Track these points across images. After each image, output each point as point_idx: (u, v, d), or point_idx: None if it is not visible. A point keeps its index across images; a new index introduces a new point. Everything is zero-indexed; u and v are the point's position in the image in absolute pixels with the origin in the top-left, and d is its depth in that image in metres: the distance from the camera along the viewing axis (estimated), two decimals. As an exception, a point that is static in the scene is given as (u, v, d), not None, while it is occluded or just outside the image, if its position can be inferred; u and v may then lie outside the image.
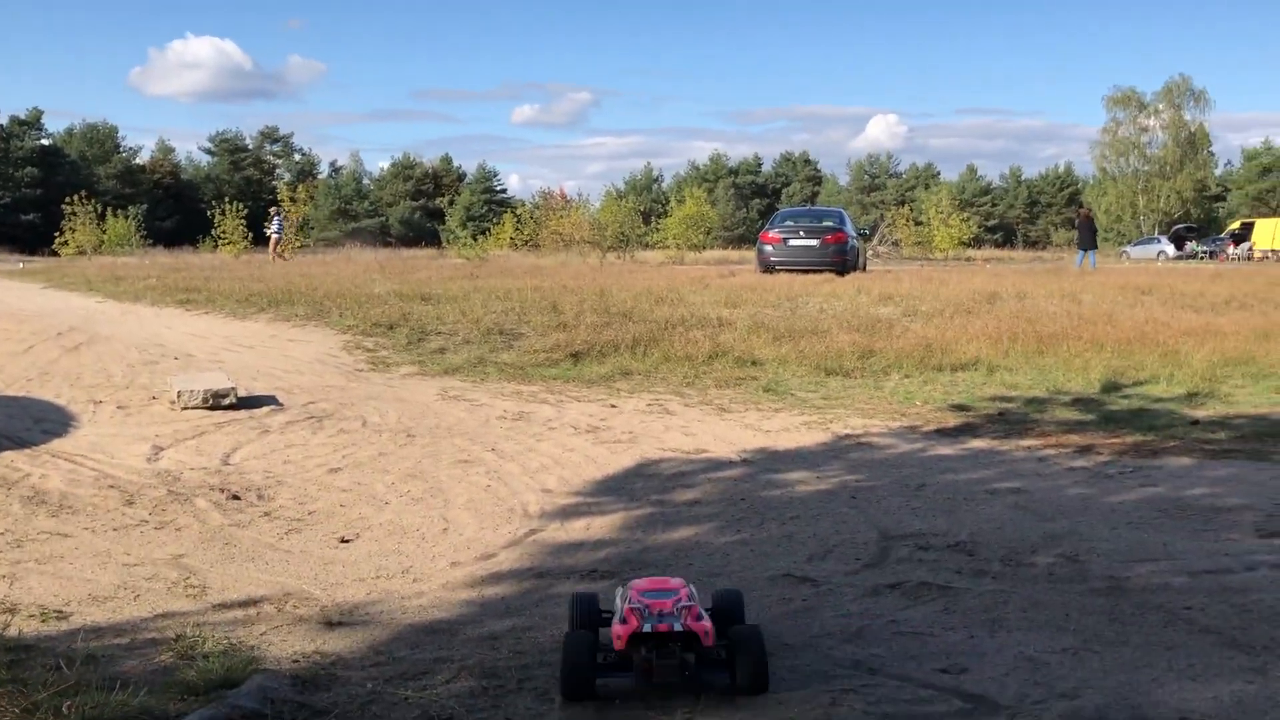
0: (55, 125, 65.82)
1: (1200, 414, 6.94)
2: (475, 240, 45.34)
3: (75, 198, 42.45)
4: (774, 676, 2.65)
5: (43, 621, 3.17)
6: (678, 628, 2.58)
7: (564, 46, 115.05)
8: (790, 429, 6.64)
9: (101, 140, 64.34)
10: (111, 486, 4.94)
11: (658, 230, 48.11)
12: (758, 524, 4.41)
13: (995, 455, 5.73)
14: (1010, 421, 6.72)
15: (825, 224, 22.74)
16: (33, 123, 61.36)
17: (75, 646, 2.91)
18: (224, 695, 2.41)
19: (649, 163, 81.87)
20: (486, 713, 2.50)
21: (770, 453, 5.92)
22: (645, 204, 57.24)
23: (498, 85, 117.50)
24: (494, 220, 51.55)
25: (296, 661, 2.85)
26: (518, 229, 45.79)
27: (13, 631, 3.01)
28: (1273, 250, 41.81)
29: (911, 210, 49.96)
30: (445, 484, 5.20)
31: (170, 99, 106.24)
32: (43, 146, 61.15)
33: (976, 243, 54.75)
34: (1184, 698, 2.49)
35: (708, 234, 47.10)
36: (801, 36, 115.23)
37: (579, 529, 4.43)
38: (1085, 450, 5.78)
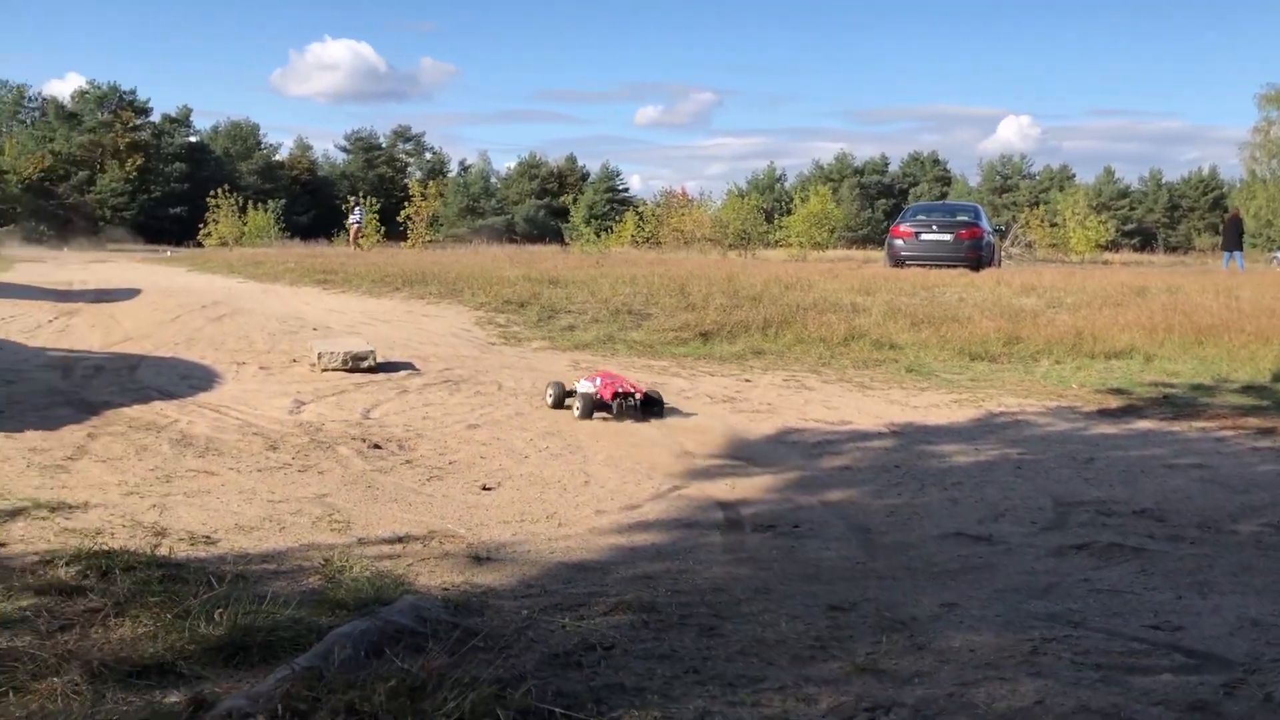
0: (202, 123, 68.57)
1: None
2: (598, 237, 45.67)
3: (219, 192, 44.23)
4: (958, 628, 2.41)
5: (191, 545, 3.13)
6: (631, 390, 5.53)
7: (687, 47, 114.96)
8: (939, 405, 6.32)
9: (244, 137, 66.87)
10: (255, 434, 4.96)
11: (780, 228, 47.61)
12: (917, 489, 4.15)
13: (1167, 434, 5.32)
14: (1177, 405, 6.27)
15: (960, 219, 21.99)
16: (182, 120, 64.16)
17: (224, 568, 2.85)
18: (375, 610, 2.29)
19: (772, 162, 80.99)
20: (649, 643, 2.32)
21: (920, 426, 5.62)
22: (768, 203, 56.75)
23: (621, 86, 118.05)
24: (616, 218, 51.83)
25: (446, 590, 2.73)
26: (639, 226, 45.92)
27: (163, 550, 2.97)
28: None
29: (1046, 212, 48.30)
30: (583, 442, 5.07)
31: (308, 99, 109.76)
32: (190, 143, 63.88)
33: (1114, 246, 52.65)
34: None
35: (831, 233, 46.37)
36: (929, 35, 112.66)
37: (723, 488, 4.24)
38: (1268, 432, 5.32)
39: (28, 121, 62.60)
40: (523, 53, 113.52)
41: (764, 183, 71.61)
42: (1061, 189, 66.46)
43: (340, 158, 73.18)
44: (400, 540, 3.33)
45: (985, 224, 22.28)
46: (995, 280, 15.32)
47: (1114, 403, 6.32)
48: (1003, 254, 31.56)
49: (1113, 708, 1.93)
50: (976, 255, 20.44)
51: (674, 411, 5.94)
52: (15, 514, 3.37)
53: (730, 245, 41.83)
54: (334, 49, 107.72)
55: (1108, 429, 5.48)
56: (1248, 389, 6.86)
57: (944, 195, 72.45)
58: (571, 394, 5.81)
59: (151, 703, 1.89)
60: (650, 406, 5.69)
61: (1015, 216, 51.80)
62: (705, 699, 1.99)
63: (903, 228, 21.67)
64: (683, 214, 46.27)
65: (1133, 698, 1.98)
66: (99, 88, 60.79)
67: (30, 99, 63.70)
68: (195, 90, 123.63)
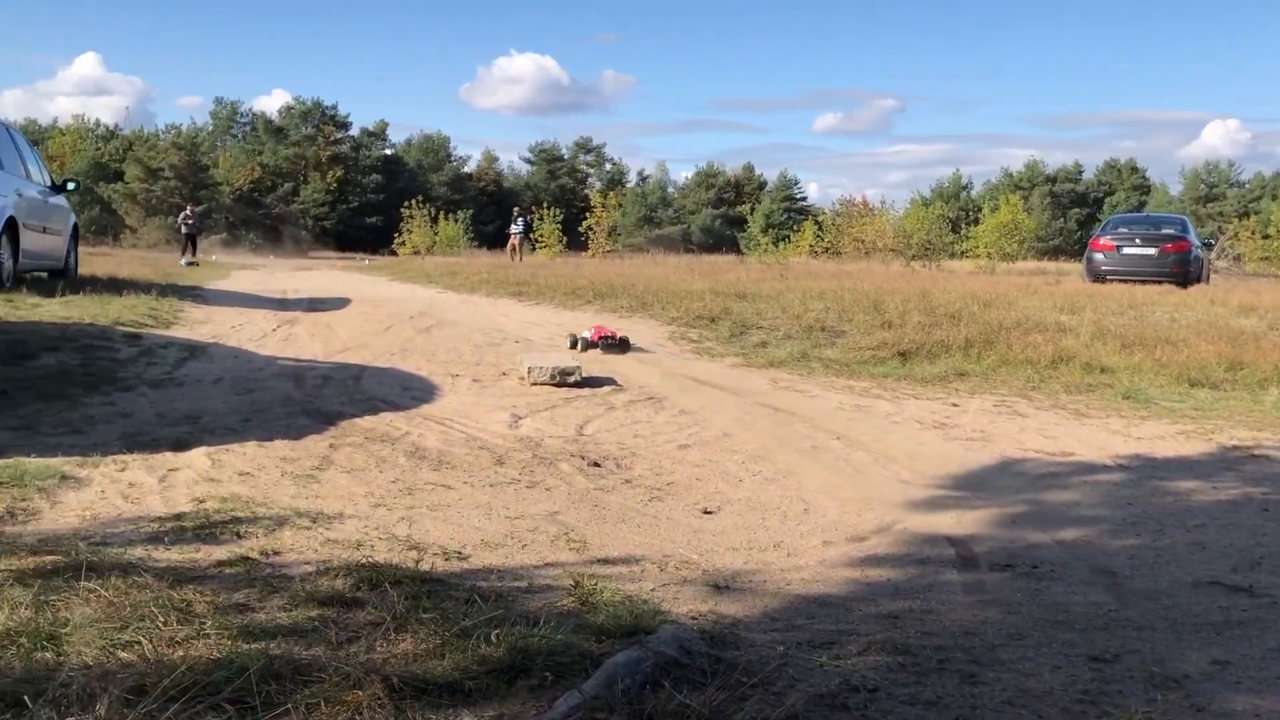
0: (397, 136, 72.08)
1: None
2: (775, 246, 45.45)
3: (412, 202, 46.32)
4: (1235, 686, 2.29)
5: (446, 560, 3.30)
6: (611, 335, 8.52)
7: (868, 53, 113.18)
8: (1165, 437, 6.02)
9: (435, 150, 69.84)
10: (481, 448, 5.17)
11: (967, 239, 46.28)
12: (1157, 530, 3.96)
13: None
14: None
15: (1165, 232, 20.83)
16: (379, 134, 67.60)
17: (480, 585, 2.99)
18: (643, 639, 2.37)
19: (957, 170, 78.83)
20: (911, 688, 2.31)
21: (1148, 459, 5.37)
22: (953, 212, 55.26)
23: (800, 94, 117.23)
24: (793, 228, 51.47)
25: (695, 618, 2.79)
26: (818, 236, 45.46)
27: (424, 566, 3.14)
28: None
29: (1257, 223, 45.29)
30: (796, 467, 5.07)
31: (495, 112, 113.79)
32: (386, 155, 67.23)
33: (1339, 260, 48.86)
34: None
35: (1021, 244, 44.74)
36: (1124, 37, 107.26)
37: (948, 521, 4.16)
38: None
39: (239, 136, 67.16)
40: (701, 62, 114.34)
41: (949, 191, 69.82)
42: (1275, 198, 62.18)
43: (524, 169, 75.43)
44: (636, 561, 3.42)
45: (1193, 237, 21.07)
46: (1208, 299, 14.47)
47: (1367, 439, 5.88)
48: (1209, 268, 29.77)
49: None
50: (1184, 270, 19.36)
51: (881, 435, 5.87)
52: (282, 523, 3.63)
53: (913, 256, 40.94)
54: (520, 63, 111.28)
55: (1365, 470, 5.10)
56: None
57: (1142, 205, 68.85)
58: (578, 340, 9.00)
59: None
60: (624, 346, 9.09)
61: (1221, 228, 48.77)
62: (985, 753, 1.97)
63: (1103, 241, 20.72)
64: (863, 223, 45.60)
65: None
66: (303, 103, 64.69)
67: (241, 115, 68.35)
68: (391, 105, 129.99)
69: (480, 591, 2.88)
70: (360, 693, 2.10)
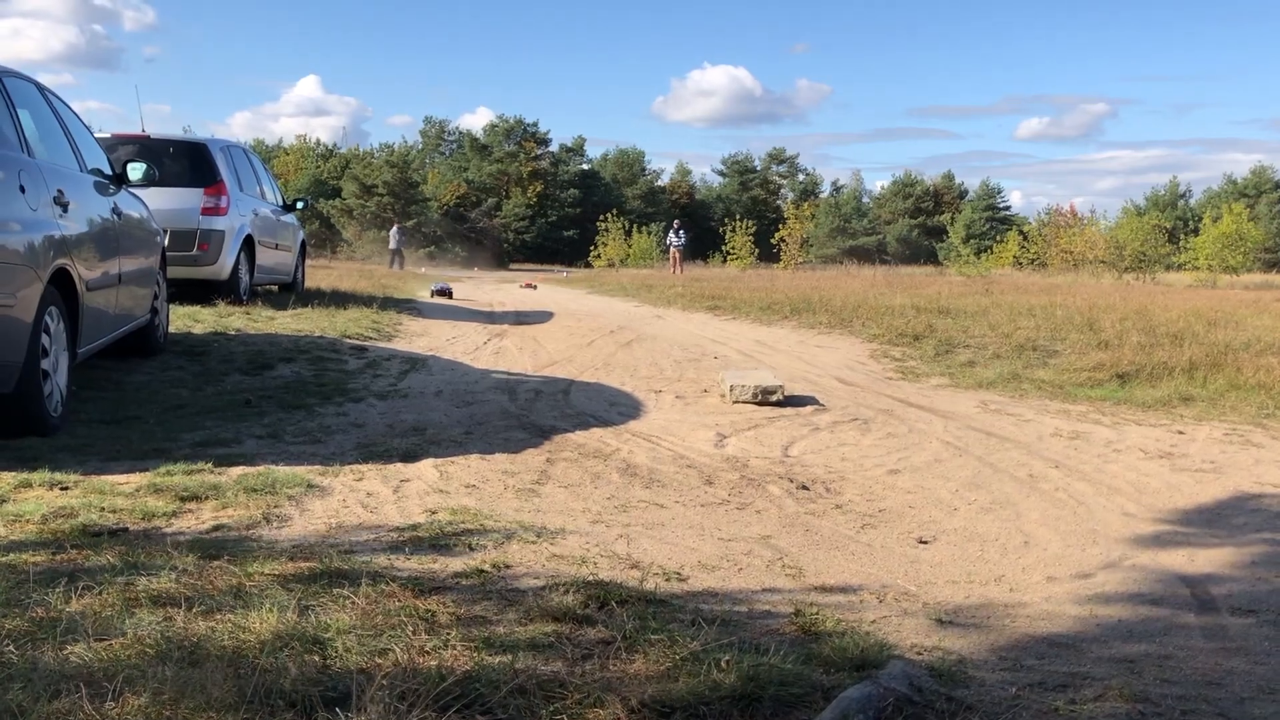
0: (593, 151, 73.91)
1: None
2: (977, 257, 44.03)
3: (608, 216, 47.35)
4: None
5: (666, 580, 3.39)
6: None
7: (1076, 56, 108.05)
8: None
9: (630, 164, 71.19)
10: (689, 466, 5.27)
11: (1185, 250, 43.57)
12: None
13: None
14: None
15: None
16: (577, 150, 69.49)
17: (702, 608, 3.07)
18: (874, 674, 2.38)
19: (1174, 177, 74.14)
20: (1156, 741, 2.24)
21: None
22: (1169, 221, 52.15)
23: (1000, 99, 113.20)
24: (995, 238, 49.76)
25: (919, 653, 2.78)
26: (1023, 247, 43.76)
27: (648, 585, 3.24)
28: None
29: None
30: (1012, 496, 4.94)
31: (687, 124, 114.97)
32: (583, 170, 69.01)
33: None
34: None
35: (1246, 255, 41.74)
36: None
37: (1180, 559, 3.96)
38: None
39: (446, 153, 70.34)
40: (896, 69, 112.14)
41: (1165, 199, 65.95)
42: None
43: (717, 181, 75.85)
44: (854, 590, 3.42)
45: None
46: None
47: None
48: None
49: None
50: None
51: (1102, 465, 5.63)
52: (509, 536, 3.81)
53: (1126, 268, 38.88)
54: (713, 75, 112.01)
55: None
56: None
57: (1389, 211, 62.97)
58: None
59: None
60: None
61: None
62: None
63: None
64: (1071, 233, 43.65)
65: None
66: (506, 121, 67.16)
67: (449, 133, 71.62)
68: (588, 120, 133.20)
69: (704, 615, 2.95)
70: (601, 711, 2.20)
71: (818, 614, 3.01)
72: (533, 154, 65.19)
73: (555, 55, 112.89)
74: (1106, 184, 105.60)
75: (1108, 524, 4.50)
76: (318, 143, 69.11)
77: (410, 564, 3.42)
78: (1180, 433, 6.73)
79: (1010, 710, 2.34)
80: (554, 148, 67.75)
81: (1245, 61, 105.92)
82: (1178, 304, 15.70)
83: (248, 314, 10.44)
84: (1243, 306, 15.17)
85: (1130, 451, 6.04)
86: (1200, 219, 49.20)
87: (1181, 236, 46.79)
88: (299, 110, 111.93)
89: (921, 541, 4.15)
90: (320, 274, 20.70)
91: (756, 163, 75.81)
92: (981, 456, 5.79)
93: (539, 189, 62.76)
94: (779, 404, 7.19)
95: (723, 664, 2.44)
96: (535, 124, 66.94)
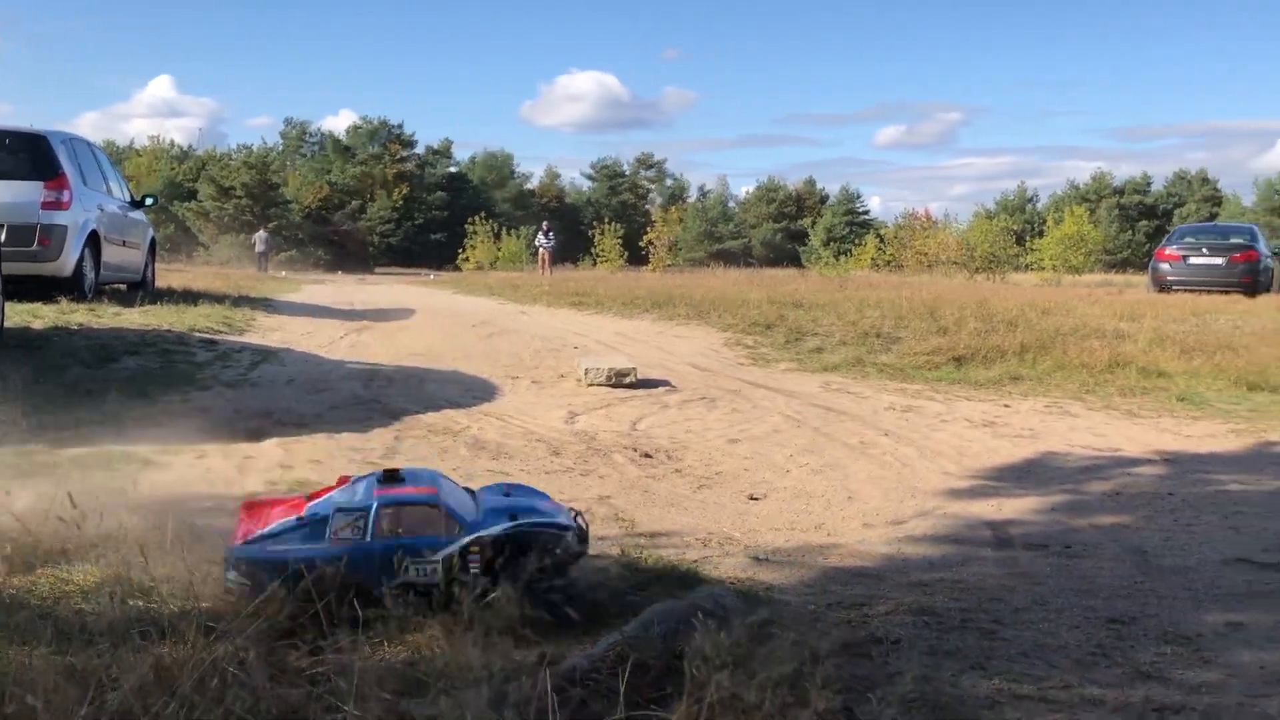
0: (461, 154, 73.00)
1: None
2: (837, 260, 45.31)
3: (476, 219, 47.02)
4: (1246, 647, 2.41)
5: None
6: None
7: (933, 66, 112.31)
8: (1214, 435, 6.05)
9: (499, 167, 70.79)
10: (538, 440, 5.39)
11: (1031, 251, 45.72)
12: (1193, 516, 4.05)
13: None
14: None
15: (1233, 241, 20.56)
16: (444, 152, 68.68)
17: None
18: (681, 594, 2.55)
19: (1022, 182, 77.74)
20: (932, 641, 2.47)
21: (1194, 455, 5.43)
22: (1018, 224, 54.55)
23: (861, 108, 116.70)
24: (855, 241, 51.25)
25: (733, 583, 2.96)
26: (880, 249, 45.21)
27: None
28: None
29: (1335, 232, 44.08)
30: (843, 460, 5.22)
31: (557, 129, 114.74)
32: (450, 173, 68.31)
33: None
34: None
35: (1088, 256, 44.08)
36: (1198, 46, 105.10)
37: (988, 508, 4.28)
38: None
39: (308, 155, 68.64)
40: (762, 78, 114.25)
41: (1014, 203, 68.91)
42: (1354, 207, 60.52)
43: (586, 185, 76.02)
44: (681, 538, 3.60)
45: (1263, 246, 20.74)
46: (1276, 306, 14.28)
47: None
48: (1280, 278, 29.07)
49: None
50: (1253, 280, 19.06)
51: (929, 433, 5.98)
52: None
53: (977, 269, 40.55)
54: (581, 80, 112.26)
55: None
56: None
57: (1213, 216, 67.36)
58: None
59: (509, 660, 2.22)
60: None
61: (1298, 238, 47.59)
62: (991, 690, 2.12)
63: (1169, 251, 20.50)
64: (925, 236, 45.25)
65: None
66: (370, 123, 65.99)
67: (310, 135, 69.90)
68: (455, 123, 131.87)
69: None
70: (436, 631, 2.31)
71: (642, 553, 3.18)
72: (398, 156, 64.19)
73: (421, 57, 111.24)
74: (961, 189, 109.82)
75: (927, 481, 4.81)
76: (172, 144, 66.58)
77: (247, 527, 3.45)
78: (1006, 406, 7.18)
79: (807, 623, 2.54)
80: (420, 150, 66.93)
81: (1089, 73, 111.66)
82: (1017, 297, 16.56)
83: (92, 310, 10.08)
84: (1076, 299, 16.09)
85: (957, 422, 6.43)
86: (1045, 222, 51.71)
87: (1028, 239, 49.02)
88: (152, 111, 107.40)
89: (752, 498, 4.37)
90: (174, 275, 20.04)
91: (625, 167, 76.34)
92: (818, 428, 6.08)
93: (405, 191, 61.83)
94: (632, 386, 7.37)
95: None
96: (400, 126, 65.97)
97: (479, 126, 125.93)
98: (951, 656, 2.35)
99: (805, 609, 2.68)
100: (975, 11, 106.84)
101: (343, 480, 2.94)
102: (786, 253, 64.30)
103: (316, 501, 2.82)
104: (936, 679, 2.19)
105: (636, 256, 49.51)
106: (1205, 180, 73.52)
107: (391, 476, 2.82)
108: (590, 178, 76.31)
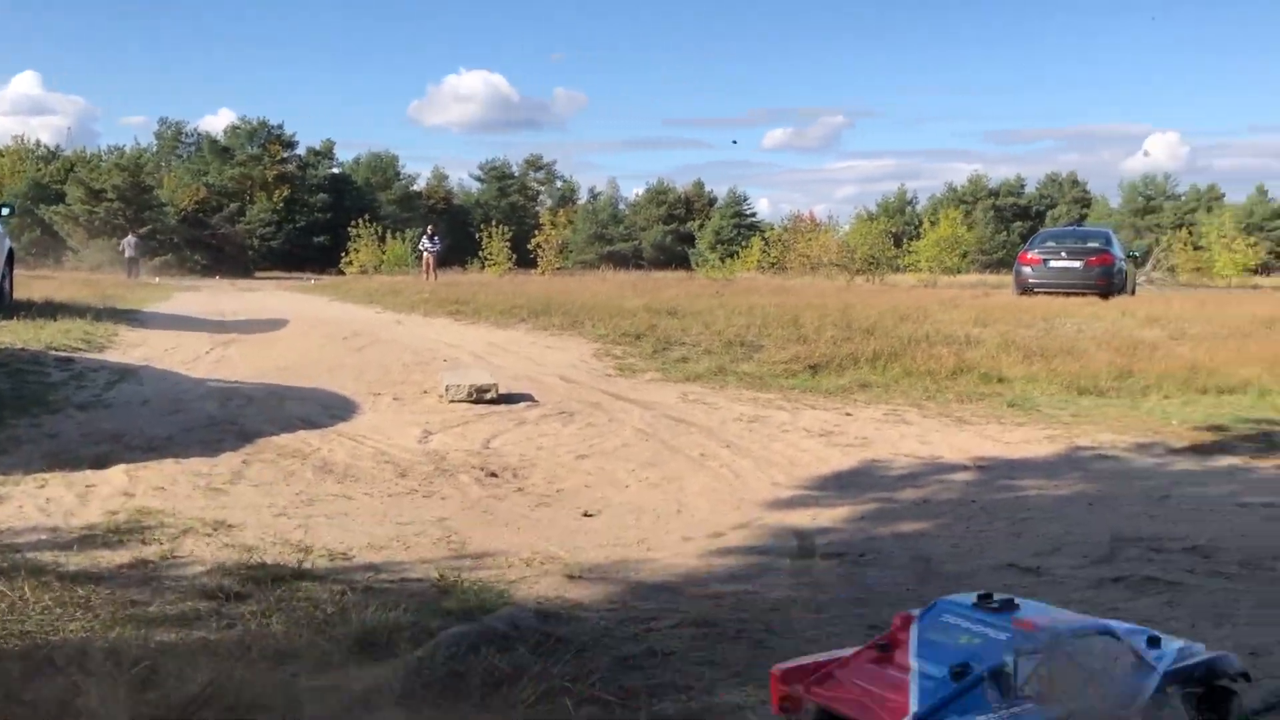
0: (345, 155, 71.88)
1: None
2: (723, 262, 46.01)
3: (359, 222, 46.39)
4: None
5: (330, 560, 3.67)
6: None
7: (817, 69, 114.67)
8: (1031, 441, 6.52)
9: (384, 168, 69.86)
10: (387, 461, 5.54)
11: (910, 253, 47.19)
12: (986, 522, 4.43)
13: (1249, 472, 5.44)
14: (1274, 442, 6.31)
15: (1090, 245, 21.69)
16: (326, 153, 67.46)
17: (356, 579, 3.37)
18: (479, 618, 2.76)
19: (902, 185, 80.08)
20: (704, 652, 2.73)
21: (1006, 461, 5.86)
22: (898, 226, 56.21)
23: (750, 111, 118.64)
24: (742, 243, 52.11)
25: (540, 602, 3.19)
26: (765, 252, 46.09)
27: (308, 565, 3.51)
28: None
29: (1190, 234, 46.63)
30: (682, 473, 5.49)
31: (445, 129, 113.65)
32: (333, 174, 67.16)
33: (1265, 270, 50.39)
34: None
35: (963, 257, 45.75)
36: (1074, 51, 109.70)
37: (805, 517, 4.59)
38: (1359, 471, 5.38)
39: (184, 156, 66.69)
40: (652, 80, 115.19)
41: (894, 206, 70.87)
42: (1209, 210, 63.88)
43: (475, 187, 75.58)
44: (506, 558, 3.81)
45: (1117, 250, 21.91)
46: (1120, 310, 15.15)
47: (1208, 439, 6.40)
48: (1144, 280, 30.69)
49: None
50: (1107, 282, 20.14)
51: (768, 443, 6.31)
52: (185, 531, 3.98)
53: (858, 270, 41.66)
54: (469, 80, 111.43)
55: (1191, 466, 5.61)
56: (1355, 428, 6.82)
57: (1083, 217, 70.37)
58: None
59: (299, 685, 2.40)
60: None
61: (1157, 240, 50.13)
62: (741, 696, 2.39)
63: (1030, 254, 21.52)
64: (809, 239, 46.26)
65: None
66: (249, 123, 64.47)
67: (187, 135, 67.96)
68: (338, 124, 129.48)
69: (355, 585, 3.26)
70: (236, 663, 2.47)
71: (460, 577, 3.38)
72: (278, 157, 62.86)
73: (303, 56, 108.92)
74: (846, 191, 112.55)
75: (756, 492, 5.11)
76: (38, 144, 63.97)
77: (78, 559, 3.54)
78: (848, 414, 7.56)
79: (594, 638, 2.78)
80: (301, 151, 65.66)
81: (966, 77, 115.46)
82: (884, 302, 17.22)
83: (-59, 328, 9.83)
84: (937, 303, 16.80)
85: (797, 431, 6.77)
86: (923, 224, 53.41)
87: (906, 241, 50.56)
88: (14, 109, 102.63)
89: (586, 515, 4.60)
90: (36, 284, 19.39)
91: (515, 169, 76.16)
92: (666, 440, 6.35)
93: (286, 193, 60.61)
94: (493, 401, 7.54)
95: (350, 619, 2.75)
96: (280, 126, 64.60)
97: (363, 127, 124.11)
98: (717, 666, 2.61)
99: (598, 625, 2.91)
100: (856, 15, 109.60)
101: (906, 619, 2.20)
102: (676, 255, 64.99)
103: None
104: (694, 688, 2.44)
105: (526, 259, 49.47)
106: (1075, 182, 76.78)
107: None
108: (479, 179, 75.94)
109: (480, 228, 48.34)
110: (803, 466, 5.72)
